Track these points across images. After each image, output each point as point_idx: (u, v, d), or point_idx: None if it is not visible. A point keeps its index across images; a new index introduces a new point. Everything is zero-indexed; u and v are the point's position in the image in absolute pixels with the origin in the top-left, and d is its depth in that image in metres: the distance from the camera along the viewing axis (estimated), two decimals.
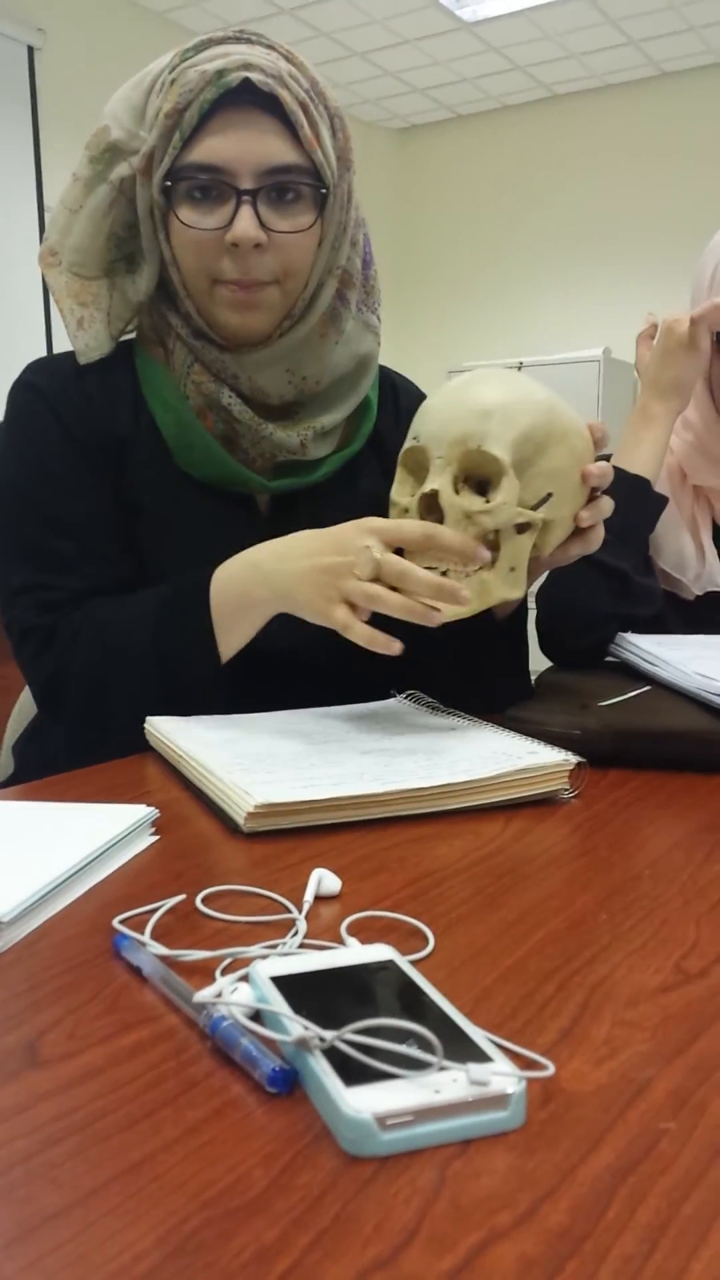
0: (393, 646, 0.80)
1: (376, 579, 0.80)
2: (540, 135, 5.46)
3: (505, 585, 0.84)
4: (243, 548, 0.92)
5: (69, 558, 0.95)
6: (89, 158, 0.95)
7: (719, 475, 1.27)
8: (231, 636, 0.90)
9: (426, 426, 0.86)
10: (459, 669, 0.99)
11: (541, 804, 0.73)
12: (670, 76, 5.06)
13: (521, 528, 0.84)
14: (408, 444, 0.88)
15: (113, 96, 0.96)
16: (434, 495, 0.83)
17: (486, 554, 0.82)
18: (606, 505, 0.90)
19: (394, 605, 0.79)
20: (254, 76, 0.88)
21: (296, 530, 0.96)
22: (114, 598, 0.95)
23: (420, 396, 1.17)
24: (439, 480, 0.83)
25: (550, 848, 0.64)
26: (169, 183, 0.91)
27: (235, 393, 0.97)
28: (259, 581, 0.88)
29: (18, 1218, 0.32)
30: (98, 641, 0.92)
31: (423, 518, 0.84)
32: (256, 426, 0.97)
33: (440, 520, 0.83)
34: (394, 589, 0.80)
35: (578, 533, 0.89)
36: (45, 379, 1.00)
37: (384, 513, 1.03)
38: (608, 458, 0.90)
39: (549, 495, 0.85)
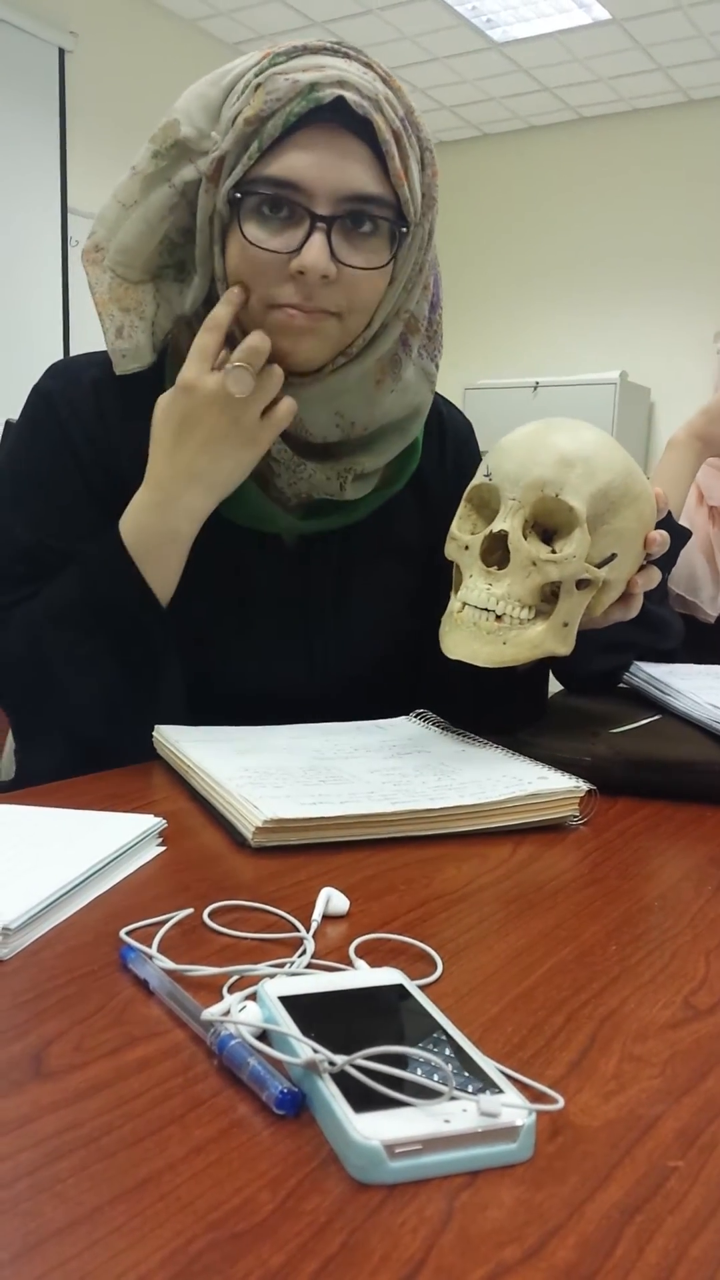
0: (289, 405, 0.86)
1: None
2: (566, 157, 5.48)
3: (556, 639, 0.82)
4: (268, 589, 0.91)
5: (33, 576, 0.92)
6: (152, 152, 0.88)
7: None
8: (163, 574, 0.89)
9: (502, 465, 0.84)
10: (475, 707, 0.97)
11: (550, 830, 0.73)
12: (698, 104, 5.08)
13: (582, 584, 0.82)
14: (478, 480, 0.86)
15: (186, 90, 0.88)
16: (502, 536, 0.82)
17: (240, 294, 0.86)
18: (655, 575, 0.88)
19: (272, 383, 0.85)
20: (349, 96, 0.81)
21: (325, 570, 0.96)
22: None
23: (467, 426, 1.12)
24: (510, 522, 0.82)
25: (559, 875, 0.64)
26: (238, 194, 0.84)
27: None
28: (174, 516, 0.88)
29: (23, 1232, 0.32)
30: (28, 621, 0.90)
31: (486, 558, 0.83)
32: (294, 466, 0.92)
33: (503, 562, 0.82)
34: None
35: (622, 598, 0.88)
36: (61, 386, 0.96)
37: (417, 560, 1.02)
38: (663, 527, 0.89)
39: (613, 556, 0.83)
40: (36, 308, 4.01)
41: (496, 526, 0.82)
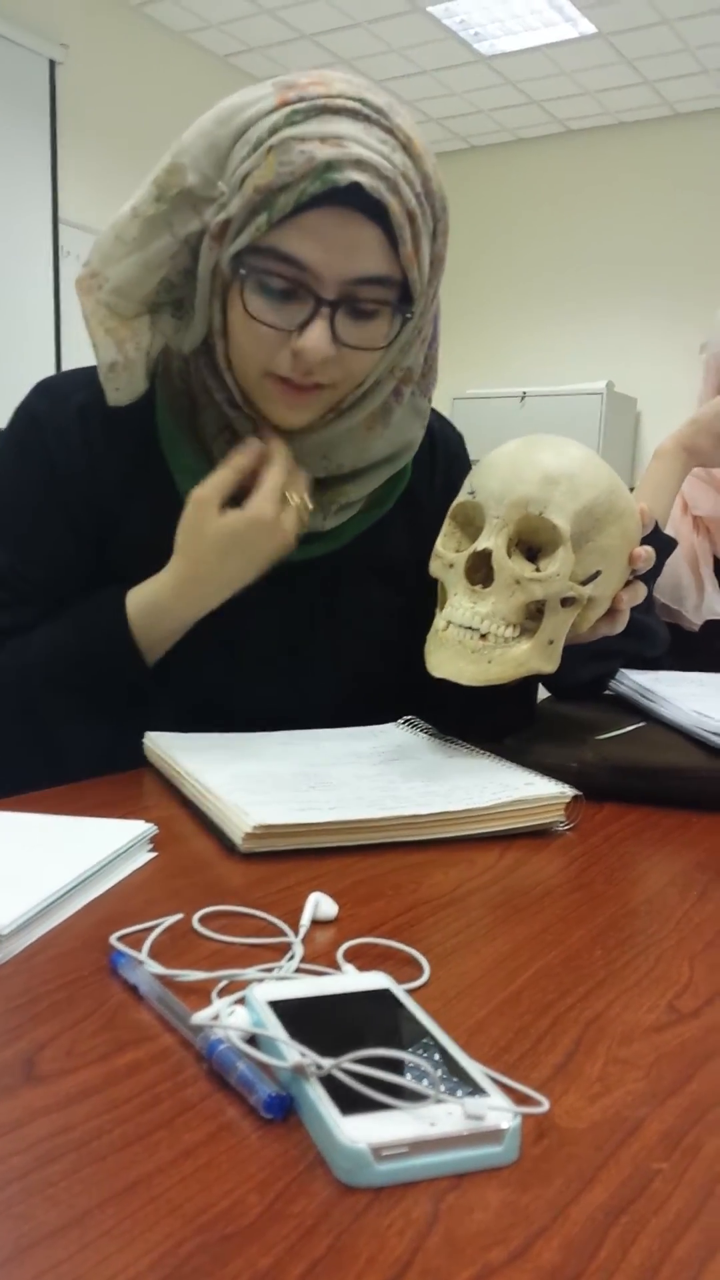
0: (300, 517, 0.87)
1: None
2: (553, 169, 5.51)
3: (541, 657, 0.82)
4: (254, 618, 0.92)
5: (3, 602, 0.92)
6: (155, 195, 0.83)
7: None
8: (155, 645, 0.90)
9: (486, 484, 0.83)
10: (463, 716, 0.98)
11: (537, 835, 0.73)
12: (684, 117, 5.12)
13: (567, 601, 0.82)
14: (462, 498, 0.86)
15: (191, 127, 0.83)
16: (486, 555, 0.82)
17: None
18: (641, 591, 0.89)
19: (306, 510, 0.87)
20: (365, 181, 0.77)
21: (312, 597, 0.96)
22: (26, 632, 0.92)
23: (458, 439, 1.11)
24: (494, 540, 0.81)
25: (545, 880, 0.65)
26: (244, 271, 0.81)
27: None
28: (190, 607, 0.89)
29: (14, 1235, 0.32)
30: (17, 659, 0.90)
31: (470, 576, 0.83)
32: None
33: (488, 580, 0.82)
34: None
35: (608, 613, 0.88)
36: (47, 407, 0.94)
37: (406, 579, 1.01)
38: (649, 540, 0.89)
39: (598, 573, 0.83)
40: (28, 318, 4.01)
41: (480, 545, 0.82)
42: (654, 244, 5.25)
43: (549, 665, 0.82)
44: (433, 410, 1.04)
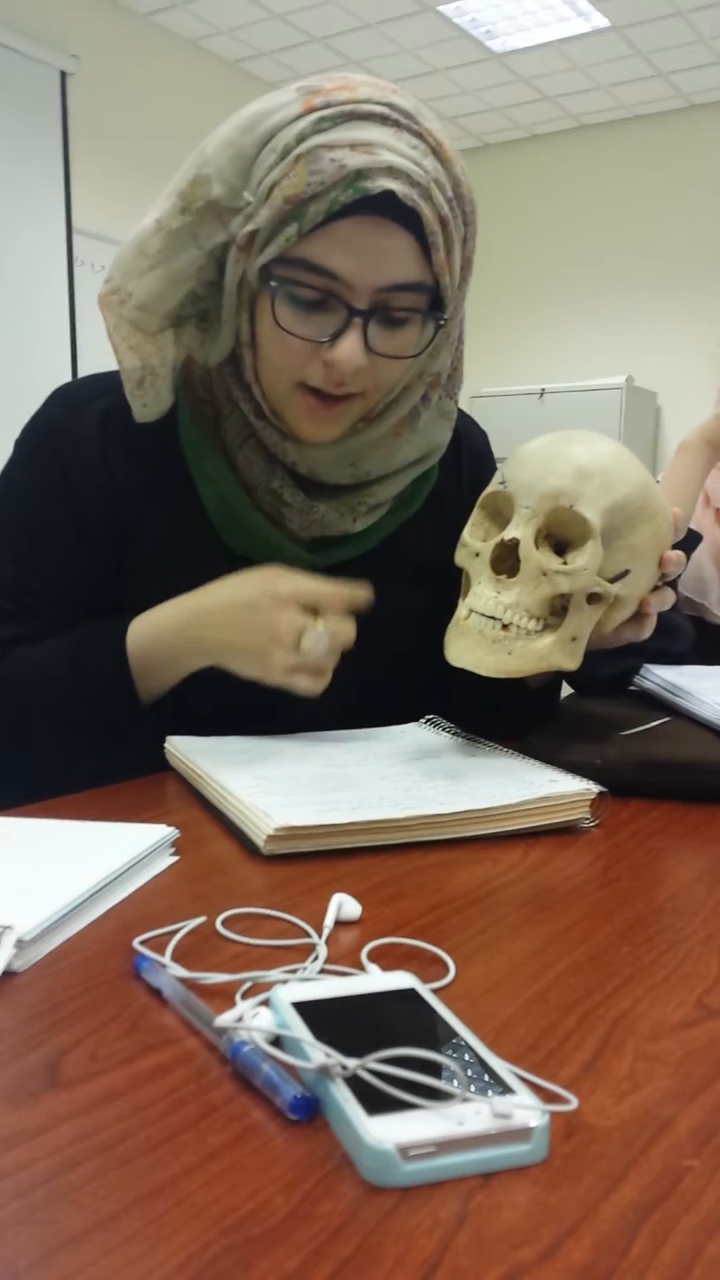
0: (323, 684, 0.83)
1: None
2: (568, 165, 5.49)
3: (562, 653, 0.81)
4: None
5: (9, 613, 0.92)
6: (180, 208, 0.82)
7: None
8: (151, 685, 0.88)
9: (518, 475, 0.82)
10: (486, 716, 0.97)
11: (562, 833, 0.73)
12: (699, 108, 5.09)
13: (593, 598, 0.80)
14: (493, 487, 0.85)
15: (214, 135, 0.82)
16: (514, 545, 0.81)
17: (370, 599, 0.83)
18: (669, 597, 0.87)
19: (332, 665, 0.83)
20: (398, 189, 0.76)
21: None
22: (30, 646, 0.91)
23: (484, 439, 1.11)
24: (522, 531, 0.80)
25: (571, 877, 0.64)
26: (274, 283, 0.80)
27: (288, 473, 0.91)
28: (186, 647, 0.86)
29: (39, 1239, 0.32)
30: (12, 676, 0.89)
31: (496, 565, 0.82)
32: (307, 510, 0.91)
33: (513, 571, 0.81)
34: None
35: (634, 617, 0.87)
36: (64, 415, 0.93)
37: (432, 580, 1.00)
38: (681, 544, 0.88)
39: (626, 571, 0.82)
40: (43, 327, 4.04)
41: (508, 535, 0.81)
42: (671, 236, 5.21)
43: (571, 662, 0.81)
44: (460, 410, 1.03)
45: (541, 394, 4.99)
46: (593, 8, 4.20)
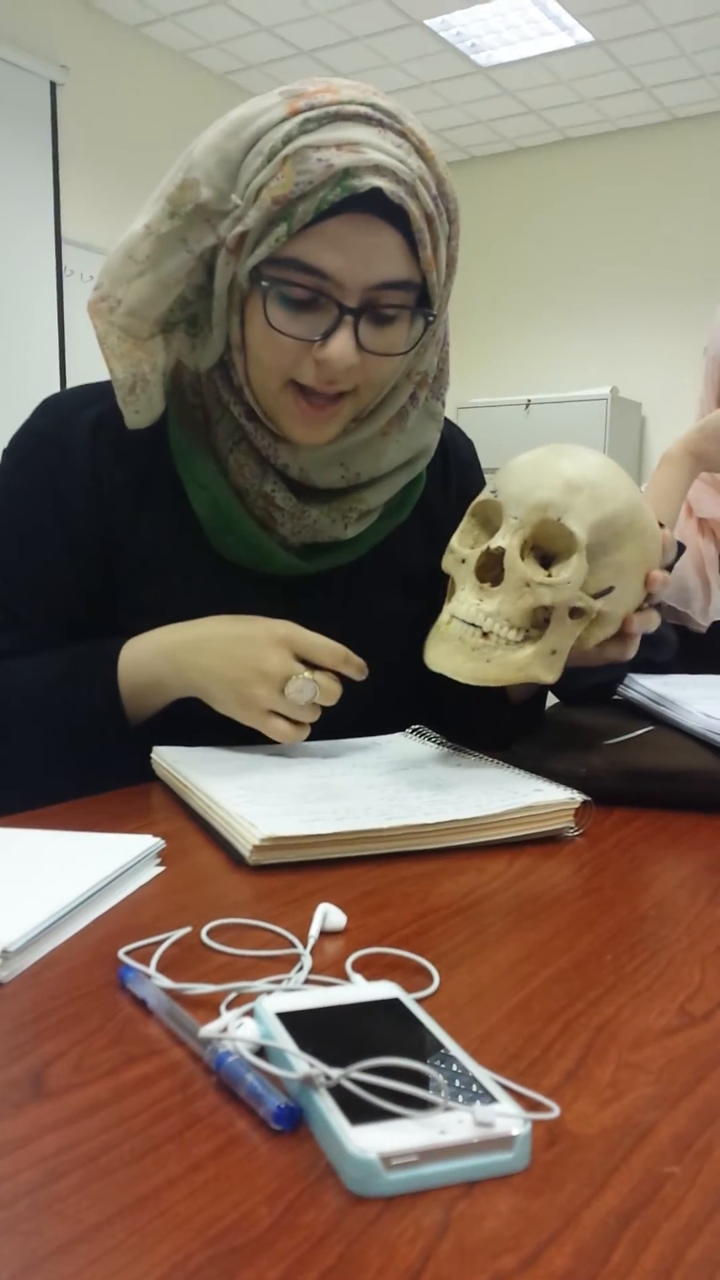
0: (302, 735, 0.84)
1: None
2: (553, 177, 5.53)
3: (542, 666, 0.80)
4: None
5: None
6: (169, 212, 0.82)
7: None
8: (139, 709, 0.89)
9: (509, 485, 0.83)
10: (471, 726, 0.98)
11: (546, 841, 0.73)
12: (682, 122, 5.13)
13: (575, 612, 0.80)
14: (484, 496, 0.85)
15: (200, 140, 0.82)
16: (499, 554, 0.81)
17: (364, 671, 0.85)
18: (654, 619, 0.87)
19: (312, 719, 0.84)
20: (385, 186, 0.77)
21: (327, 607, 0.94)
22: (23, 659, 0.91)
23: (471, 449, 1.11)
24: (509, 540, 0.80)
25: (555, 886, 0.64)
26: (265, 283, 0.81)
27: (280, 477, 0.91)
28: (172, 673, 0.86)
29: (24, 1250, 0.32)
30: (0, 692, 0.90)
31: (480, 573, 0.82)
32: (298, 514, 0.91)
33: (498, 580, 0.81)
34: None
35: (618, 636, 0.87)
36: (52, 425, 0.93)
37: (422, 588, 1.01)
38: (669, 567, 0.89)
39: (610, 588, 0.82)
40: (33, 337, 4.04)
41: (495, 543, 0.81)
42: (655, 249, 5.25)
43: (549, 675, 0.81)
44: (446, 419, 1.04)
45: (527, 405, 5.01)
46: (577, 23, 4.24)
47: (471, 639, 0.80)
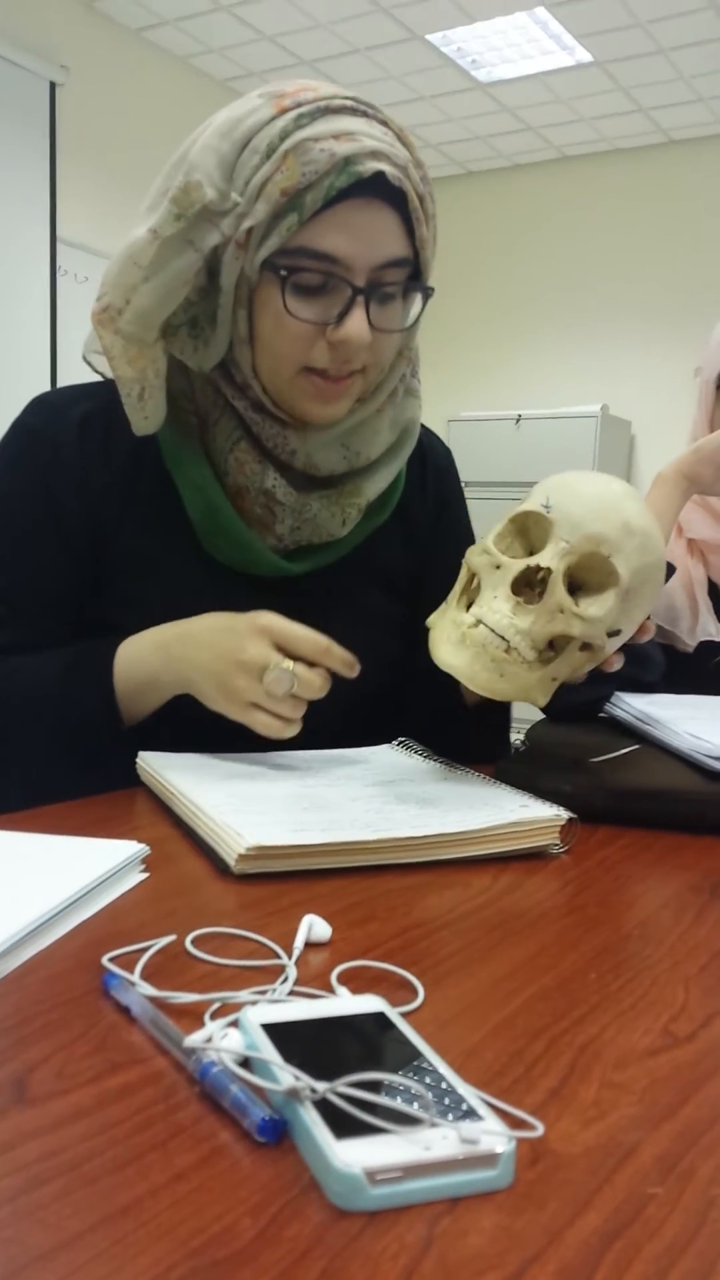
0: (288, 731, 0.83)
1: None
2: (549, 195, 5.56)
3: (541, 690, 0.81)
4: None
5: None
6: (174, 215, 0.83)
7: (717, 530, 1.29)
8: (135, 709, 0.89)
9: (568, 506, 0.81)
10: (443, 731, 0.99)
11: (532, 858, 0.73)
12: (678, 144, 5.17)
13: (585, 647, 0.81)
14: (533, 507, 0.82)
15: (195, 142, 0.85)
16: (545, 573, 0.80)
17: (356, 669, 0.84)
18: (620, 660, 0.87)
19: (295, 715, 0.83)
20: (387, 170, 0.82)
21: (311, 605, 0.95)
22: (24, 656, 0.92)
23: (447, 455, 1.13)
24: (556, 562, 0.79)
25: (540, 903, 0.65)
26: (285, 272, 0.83)
27: (280, 470, 0.93)
28: (164, 666, 0.87)
29: (5, 1258, 0.32)
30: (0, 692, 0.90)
31: (517, 584, 0.81)
32: (299, 507, 0.93)
33: (529, 596, 0.80)
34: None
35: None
36: (44, 421, 0.94)
37: (400, 588, 1.03)
38: None
39: (619, 632, 0.83)
40: (24, 336, 4.02)
41: (544, 561, 0.80)
42: (649, 269, 5.29)
43: (543, 700, 0.82)
44: (424, 427, 1.08)
45: (518, 420, 5.03)
46: (577, 43, 4.27)
47: (494, 650, 0.79)
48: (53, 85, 4.07)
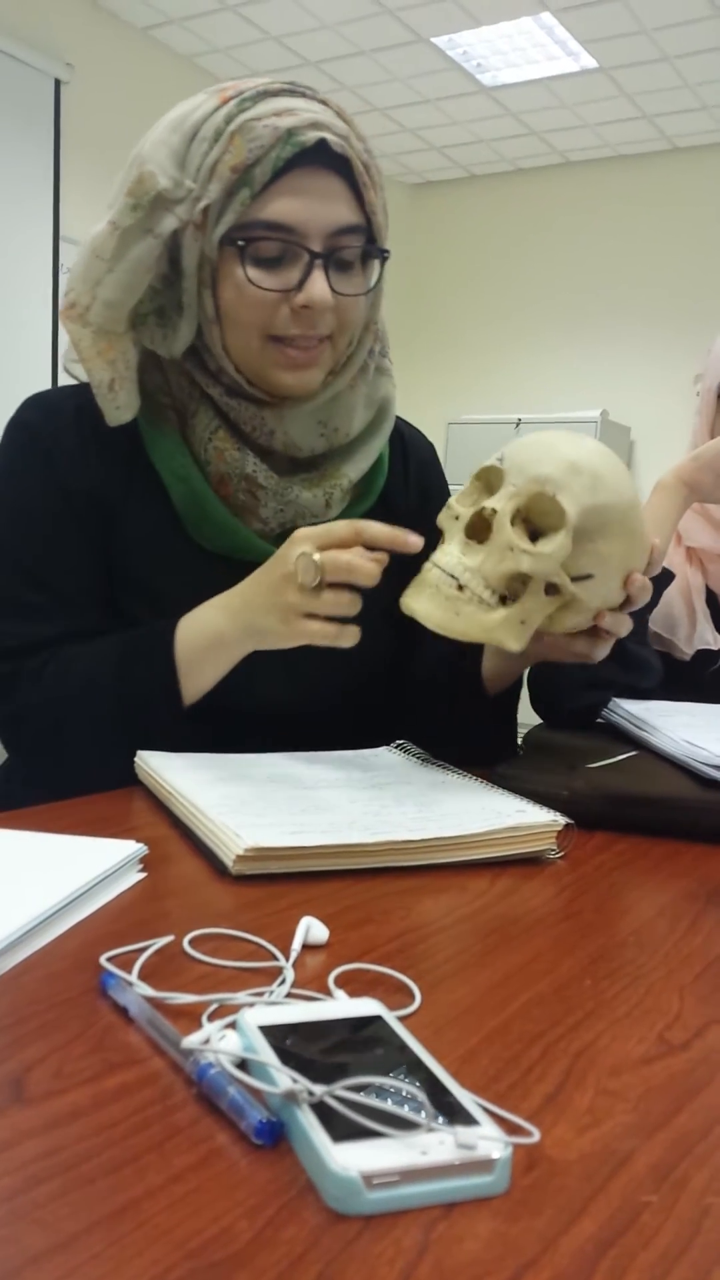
0: (344, 638, 0.82)
1: (321, 581, 0.81)
2: (551, 199, 5.57)
3: (509, 632, 0.82)
4: None
5: (38, 606, 0.93)
6: (131, 205, 0.88)
7: (716, 538, 1.29)
8: (200, 679, 0.90)
9: (516, 455, 0.84)
10: (446, 728, 1.00)
11: (528, 863, 0.73)
12: (682, 152, 5.18)
13: (551, 589, 0.82)
14: (490, 462, 0.86)
15: (147, 138, 0.90)
16: (490, 516, 0.82)
17: (418, 540, 0.81)
18: (625, 624, 0.89)
19: (340, 603, 0.82)
20: (329, 137, 0.87)
21: None
22: (81, 642, 0.93)
23: (430, 448, 1.16)
24: (502, 503, 0.82)
25: (536, 908, 0.65)
26: (241, 242, 0.87)
27: (260, 455, 0.95)
28: (230, 621, 0.88)
29: (1, 1258, 0.32)
30: (59, 681, 0.90)
31: (470, 530, 0.84)
32: (282, 491, 0.95)
33: (485, 539, 0.82)
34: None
35: (589, 633, 0.89)
36: (40, 418, 0.97)
37: (388, 574, 1.03)
38: (654, 581, 0.91)
39: (590, 576, 0.83)
40: (26, 334, 4.02)
41: (488, 503, 0.83)
42: (650, 275, 5.29)
43: (515, 643, 0.82)
44: (403, 420, 1.12)
45: (518, 424, 5.03)
46: (582, 48, 4.28)
47: (447, 589, 0.82)
48: (57, 83, 4.07)
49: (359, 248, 0.91)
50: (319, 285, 0.88)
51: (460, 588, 0.81)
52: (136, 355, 0.94)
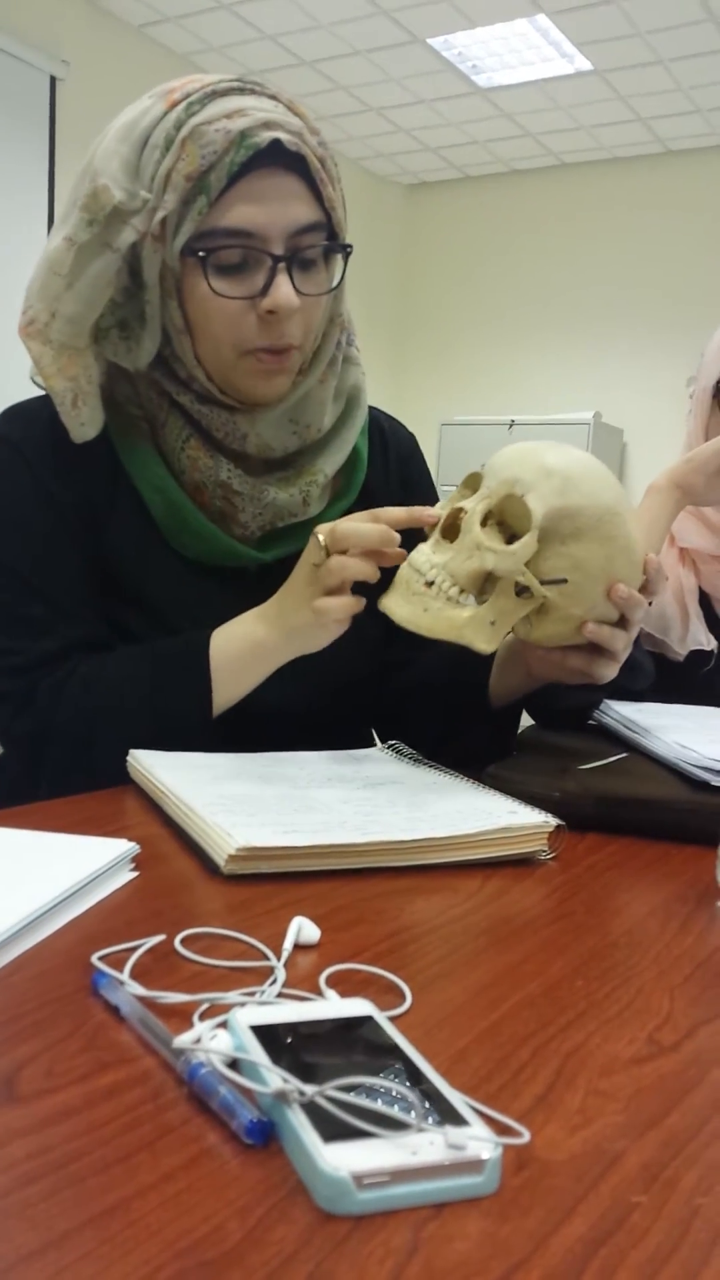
0: (346, 603, 0.84)
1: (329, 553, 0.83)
2: (546, 201, 5.58)
3: (478, 632, 0.82)
4: (233, 612, 0.92)
5: (40, 619, 0.92)
6: (87, 220, 0.87)
7: (709, 539, 1.30)
8: (234, 688, 0.90)
9: (495, 459, 0.85)
10: (442, 733, 1.00)
11: (519, 864, 0.73)
12: (675, 154, 5.20)
13: (521, 590, 0.83)
14: (477, 469, 0.87)
15: (97, 150, 0.89)
16: (461, 515, 0.83)
17: (435, 512, 0.84)
18: (619, 639, 0.87)
19: (346, 565, 0.83)
20: (282, 136, 0.85)
21: None
22: (98, 655, 0.93)
23: (411, 440, 1.16)
24: (474, 505, 0.83)
25: (527, 909, 0.65)
26: (202, 253, 0.86)
27: (233, 459, 0.95)
28: (268, 628, 0.89)
29: None
30: (85, 698, 0.89)
31: (444, 530, 0.84)
32: (258, 494, 0.94)
33: (454, 537, 0.83)
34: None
35: (587, 650, 0.88)
36: (20, 430, 0.96)
37: (381, 579, 1.04)
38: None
39: (564, 580, 0.83)
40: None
41: (461, 503, 0.84)
42: (643, 278, 5.31)
43: (484, 644, 0.83)
44: (384, 413, 1.12)
45: (511, 425, 5.04)
46: (577, 51, 4.29)
47: (416, 585, 0.83)
48: (53, 79, 4.07)
49: (321, 246, 0.90)
50: (284, 290, 0.87)
51: (429, 584, 0.82)
52: (100, 370, 0.93)
